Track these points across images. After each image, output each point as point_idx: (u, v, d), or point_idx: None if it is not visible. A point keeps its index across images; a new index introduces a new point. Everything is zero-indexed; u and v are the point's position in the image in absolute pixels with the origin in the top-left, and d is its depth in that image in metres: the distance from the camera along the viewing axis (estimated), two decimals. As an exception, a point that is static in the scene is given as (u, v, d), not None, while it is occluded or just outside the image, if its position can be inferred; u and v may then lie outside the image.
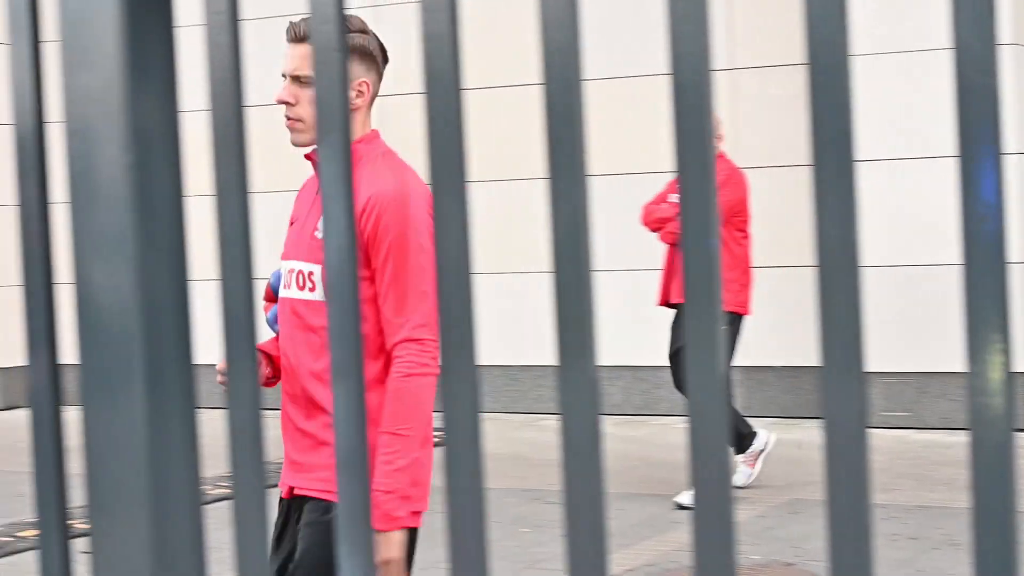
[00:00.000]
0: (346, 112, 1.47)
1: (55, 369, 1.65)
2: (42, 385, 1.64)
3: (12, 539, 8.92)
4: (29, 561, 8.41)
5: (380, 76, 4.15)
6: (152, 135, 1.52)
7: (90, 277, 1.54)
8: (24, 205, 1.63)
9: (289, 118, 4.05)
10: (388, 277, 3.93)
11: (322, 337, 3.98)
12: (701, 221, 1.41)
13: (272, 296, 4.42)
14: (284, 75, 4.13)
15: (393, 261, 3.89)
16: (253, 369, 1.57)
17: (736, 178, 9.49)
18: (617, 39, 13.59)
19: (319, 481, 4.02)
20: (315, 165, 4.13)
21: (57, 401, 1.65)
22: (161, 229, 1.54)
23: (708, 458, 1.42)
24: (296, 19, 4.18)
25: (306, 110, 4.04)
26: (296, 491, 4.16)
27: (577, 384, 1.47)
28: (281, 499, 4.21)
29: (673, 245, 9.48)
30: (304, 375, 4.05)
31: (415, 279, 3.93)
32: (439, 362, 3.96)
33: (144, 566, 1.55)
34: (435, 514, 9.51)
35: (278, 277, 4.21)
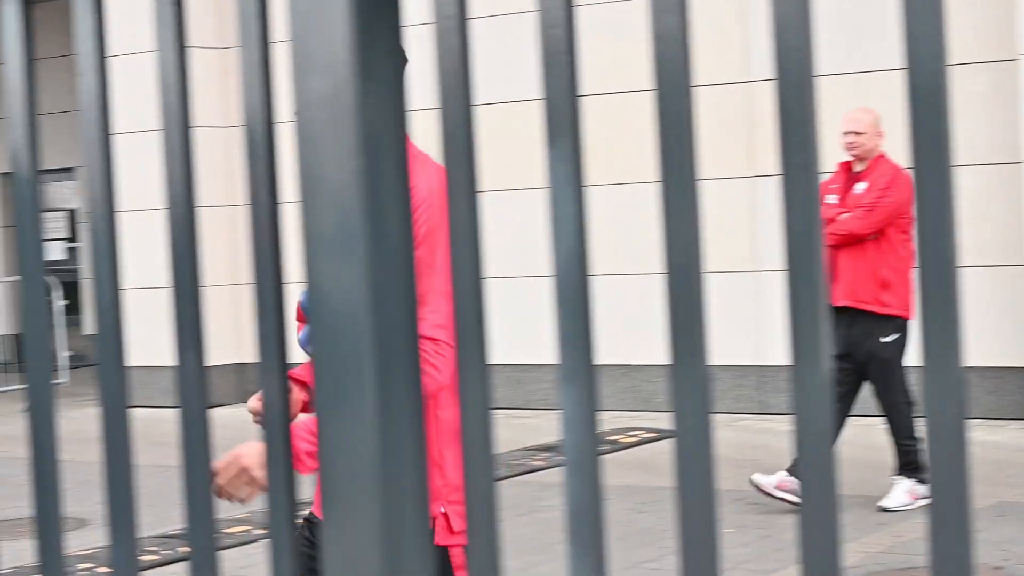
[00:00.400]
0: (577, 115, 1.47)
1: (284, 367, 1.67)
2: (273, 387, 1.66)
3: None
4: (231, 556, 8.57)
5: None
6: (381, 138, 1.53)
7: (321, 280, 1.55)
8: (255, 207, 1.65)
9: None
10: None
11: None
12: (940, 225, 1.38)
13: (303, 316, 4.12)
14: None
15: (420, 260, 3.68)
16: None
17: (901, 180, 9.29)
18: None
19: None
20: None
21: (287, 402, 1.67)
22: (391, 231, 1.55)
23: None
24: None
25: None
26: None
27: (807, 384, 1.45)
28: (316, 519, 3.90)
29: (833, 247, 9.25)
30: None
31: (440, 279, 3.71)
32: (448, 371, 3.72)
33: (374, 564, 1.56)
34: (639, 514, 9.45)
35: (308, 296, 3.87)
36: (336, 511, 1.60)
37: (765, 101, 13.22)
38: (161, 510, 9.50)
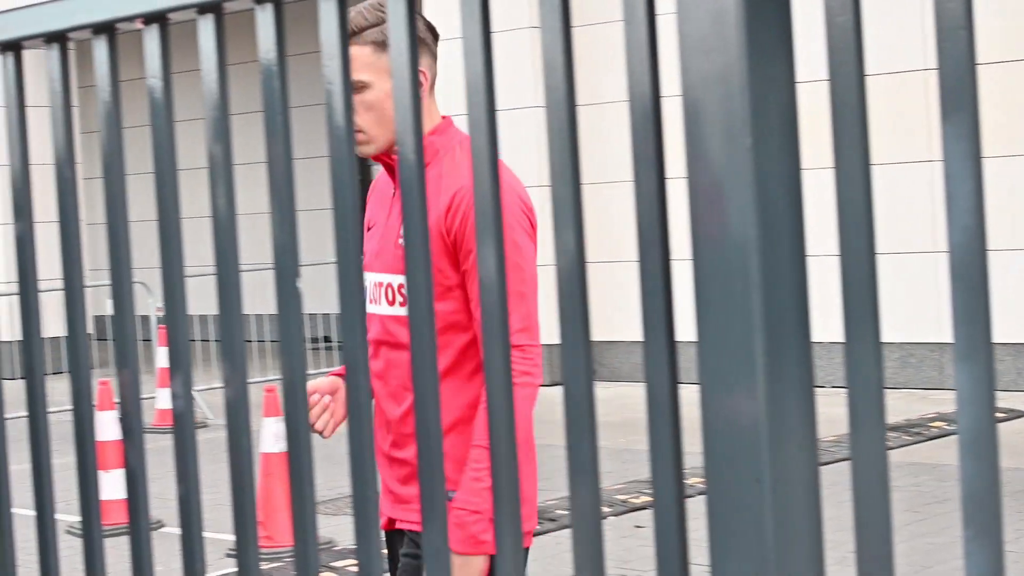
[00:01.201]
0: (974, 89, 1.43)
1: (673, 348, 1.67)
2: (660, 365, 1.67)
3: (567, 512, 9.17)
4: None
5: (435, 57, 3.74)
6: (770, 116, 1.52)
7: (708, 260, 1.55)
8: (639, 185, 1.66)
9: None
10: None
11: None
12: None
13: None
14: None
15: None
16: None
17: None
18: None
19: (418, 514, 3.45)
20: (387, 168, 3.76)
21: (676, 380, 1.68)
22: (779, 209, 1.54)
23: None
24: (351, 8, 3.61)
25: (364, 119, 3.63)
26: (397, 524, 3.80)
27: None
28: (384, 531, 3.80)
29: None
30: (400, 399, 3.69)
31: (511, 279, 3.43)
32: (542, 370, 3.57)
33: (764, 547, 1.56)
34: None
35: None
36: (721, 495, 1.60)
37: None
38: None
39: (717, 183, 1.52)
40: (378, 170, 3.89)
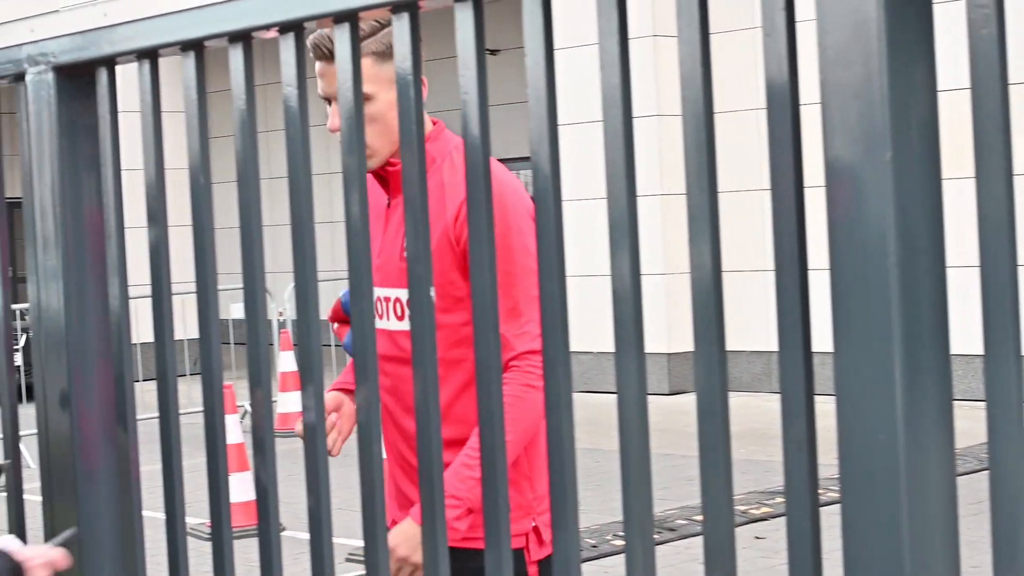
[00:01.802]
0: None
1: (809, 358, 1.67)
2: (797, 375, 1.66)
3: (687, 522, 9.16)
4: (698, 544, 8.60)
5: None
6: (910, 127, 1.51)
7: (847, 273, 1.54)
8: (777, 199, 1.66)
9: None
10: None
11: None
12: None
13: (340, 316, 3.81)
14: (327, 99, 3.55)
15: (499, 268, 3.26)
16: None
17: None
18: None
19: None
20: (381, 181, 3.63)
21: (812, 393, 1.67)
22: (919, 221, 1.53)
23: None
24: (317, 34, 3.53)
25: (366, 132, 3.31)
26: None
27: None
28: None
29: None
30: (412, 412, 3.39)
31: (524, 284, 3.40)
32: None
33: (901, 562, 1.54)
34: None
35: (349, 295, 3.23)
36: (857, 506, 1.59)
37: None
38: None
39: (856, 196, 1.51)
40: None
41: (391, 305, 3.57)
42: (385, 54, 3.54)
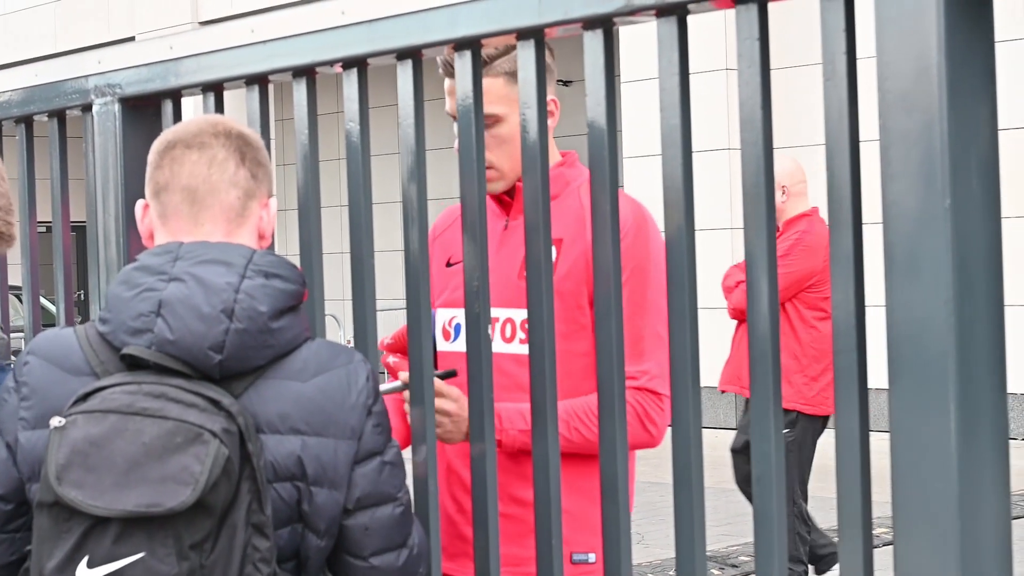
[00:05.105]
0: None
1: (865, 398, 1.69)
2: (851, 414, 1.69)
3: (749, 559, 9.06)
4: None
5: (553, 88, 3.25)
6: (970, 173, 1.53)
7: (903, 316, 1.57)
8: (836, 243, 1.68)
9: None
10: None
11: None
12: None
13: (399, 347, 3.41)
14: (455, 117, 3.05)
15: (629, 299, 3.09)
16: None
17: (807, 243, 7.32)
18: None
19: None
20: (498, 201, 3.42)
21: (867, 429, 1.69)
22: (977, 264, 1.55)
23: None
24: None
25: (495, 154, 3.29)
26: None
27: None
28: None
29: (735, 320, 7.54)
30: (515, 444, 3.24)
31: (652, 321, 3.21)
32: (664, 431, 3.16)
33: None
34: None
35: None
36: (910, 534, 1.61)
37: None
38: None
39: (914, 242, 1.53)
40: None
41: (500, 325, 3.39)
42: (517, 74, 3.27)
